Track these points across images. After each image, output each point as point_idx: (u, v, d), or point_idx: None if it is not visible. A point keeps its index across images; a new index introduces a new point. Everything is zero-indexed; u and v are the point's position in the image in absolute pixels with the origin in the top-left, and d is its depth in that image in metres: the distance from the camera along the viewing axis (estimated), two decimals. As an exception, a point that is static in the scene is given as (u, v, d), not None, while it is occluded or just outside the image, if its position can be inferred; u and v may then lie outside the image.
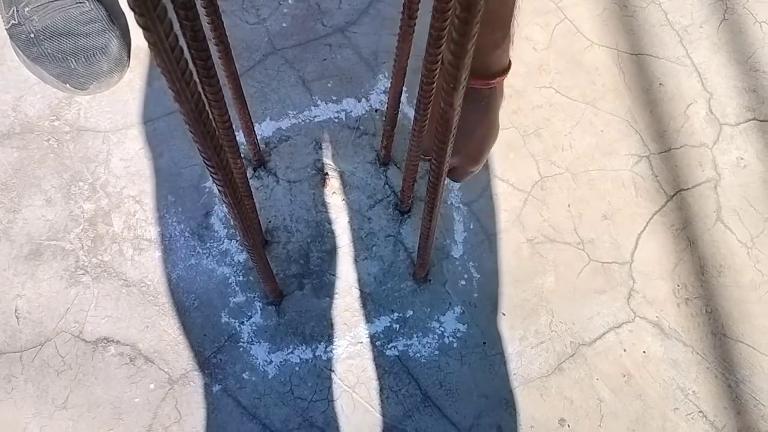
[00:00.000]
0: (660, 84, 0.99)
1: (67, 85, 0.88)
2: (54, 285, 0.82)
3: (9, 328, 0.80)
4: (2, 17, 0.92)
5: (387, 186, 0.90)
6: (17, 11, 0.89)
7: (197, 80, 0.39)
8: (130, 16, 0.97)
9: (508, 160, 0.93)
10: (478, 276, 0.86)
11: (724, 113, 0.99)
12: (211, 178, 0.48)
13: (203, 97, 0.39)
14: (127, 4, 0.29)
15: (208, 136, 0.41)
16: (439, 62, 0.51)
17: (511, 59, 0.57)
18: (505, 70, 0.56)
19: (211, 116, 0.42)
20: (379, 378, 0.81)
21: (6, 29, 0.91)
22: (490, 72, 0.55)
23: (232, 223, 0.86)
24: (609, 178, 0.93)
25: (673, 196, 0.93)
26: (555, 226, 0.90)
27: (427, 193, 0.61)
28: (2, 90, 0.92)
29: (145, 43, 0.92)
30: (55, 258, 0.84)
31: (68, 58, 0.88)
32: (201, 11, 0.45)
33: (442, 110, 0.44)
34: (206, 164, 0.45)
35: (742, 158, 0.96)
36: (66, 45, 0.88)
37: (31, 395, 0.77)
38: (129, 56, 0.93)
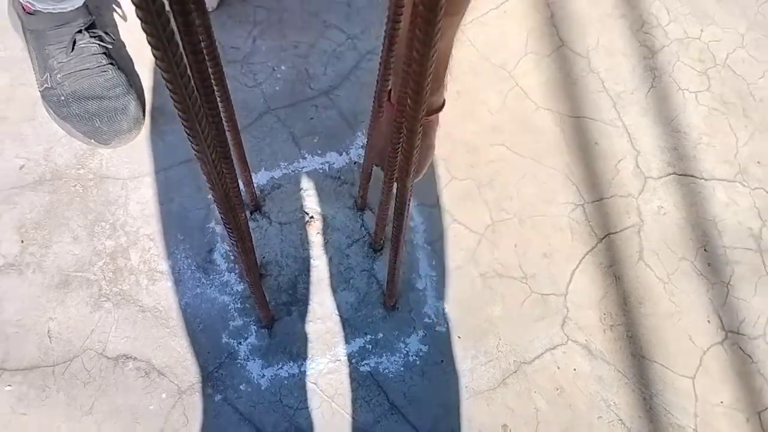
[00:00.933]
0: (595, 143, 1.18)
1: (92, 140, 1.04)
2: (81, 310, 0.98)
3: (43, 346, 0.95)
4: (36, 80, 1.09)
5: (363, 228, 1.07)
6: (50, 77, 1.06)
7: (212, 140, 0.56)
8: (144, 79, 1.14)
9: (466, 206, 1.10)
10: (438, 305, 1.03)
11: (649, 168, 1.17)
12: (221, 221, 0.64)
13: (215, 152, 0.56)
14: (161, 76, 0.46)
15: (222, 190, 0.58)
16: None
17: (445, 99, 0.76)
18: (440, 108, 0.75)
19: (221, 169, 0.59)
20: (354, 390, 0.97)
21: (39, 91, 1.08)
22: (428, 111, 0.74)
23: (233, 258, 1.03)
24: (549, 222, 1.11)
25: (603, 238, 1.11)
26: (503, 263, 1.07)
27: (393, 233, 0.78)
28: (35, 142, 1.08)
29: (159, 104, 1.10)
30: (82, 287, 0.99)
31: (93, 118, 1.04)
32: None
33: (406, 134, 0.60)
34: (219, 211, 0.62)
35: (662, 207, 1.14)
36: (92, 107, 1.05)
37: (62, 403, 0.92)
38: (144, 115, 1.09)
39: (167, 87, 0.44)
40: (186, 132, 0.50)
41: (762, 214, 1.16)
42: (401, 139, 0.60)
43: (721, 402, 1.01)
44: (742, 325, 1.07)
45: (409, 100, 0.53)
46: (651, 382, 1.02)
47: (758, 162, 1.20)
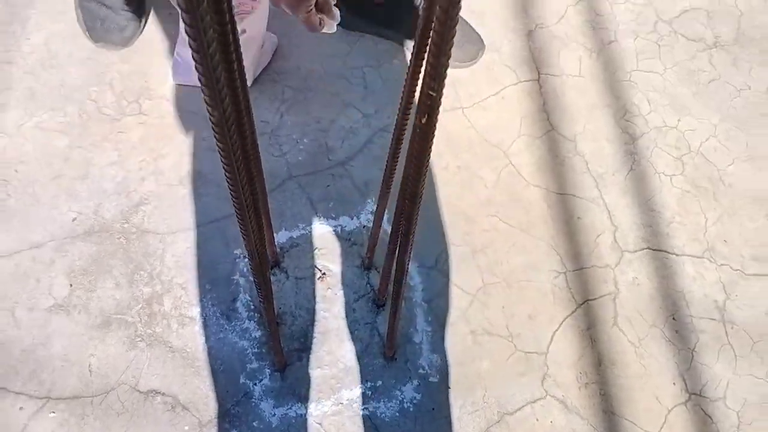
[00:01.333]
0: (578, 218, 1.32)
1: (86, 32, 1.40)
2: (118, 348, 1.12)
3: (84, 379, 1.09)
4: None
5: (368, 285, 1.21)
6: None
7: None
8: (185, 145, 1.30)
9: (460, 270, 1.24)
10: (432, 357, 1.16)
11: (626, 243, 1.31)
12: (250, 272, 0.78)
13: (251, 211, 0.71)
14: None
15: (253, 244, 0.73)
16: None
17: None
18: None
19: (254, 226, 0.74)
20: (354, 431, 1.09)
21: None
22: None
23: (253, 307, 1.17)
24: (534, 287, 1.25)
25: (582, 304, 1.24)
26: (492, 322, 1.20)
27: (393, 289, 0.92)
28: (87, 198, 1.24)
29: (197, 170, 1.25)
30: (120, 328, 1.13)
31: (97, 19, 1.41)
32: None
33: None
34: (250, 262, 0.76)
35: (636, 278, 1.28)
36: (102, 12, 1.41)
37: (97, 430, 1.05)
38: (134, 39, 1.43)
39: (221, 157, 0.58)
40: (231, 193, 0.64)
41: (726, 288, 1.29)
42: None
43: (683, 458, 1.13)
44: (704, 388, 1.19)
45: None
46: (620, 436, 1.14)
47: (725, 241, 1.34)
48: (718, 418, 1.16)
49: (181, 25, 1.30)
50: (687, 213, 1.36)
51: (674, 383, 1.19)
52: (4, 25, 1.41)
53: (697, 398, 1.18)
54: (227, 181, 0.63)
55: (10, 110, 1.31)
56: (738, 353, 1.23)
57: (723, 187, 1.40)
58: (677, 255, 1.31)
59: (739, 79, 1.54)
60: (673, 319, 1.25)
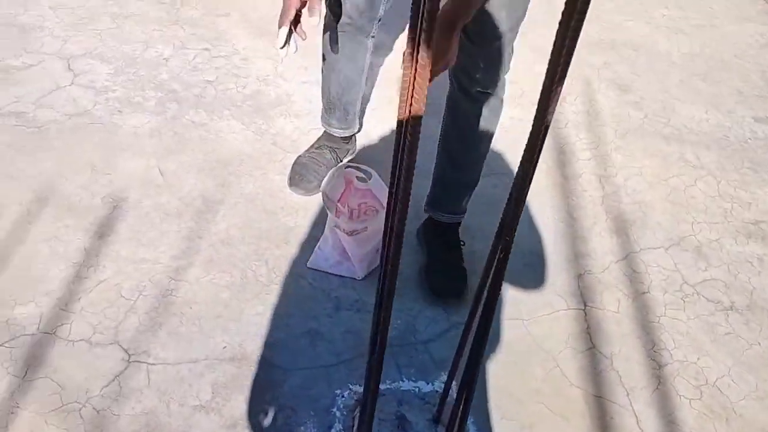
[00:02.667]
0: (611, 417, 1.62)
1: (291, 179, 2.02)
2: (238, 445, 1.44)
3: (209, 462, 1.40)
4: None
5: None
6: None
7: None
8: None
9: (510, 439, 1.54)
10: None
11: (650, 444, 1.58)
12: (358, 406, 1.14)
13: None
14: None
15: (372, 388, 1.12)
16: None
17: None
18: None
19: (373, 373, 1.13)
20: None
21: None
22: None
23: (343, 435, 1.49)
24: (570, 464, 1.51)
25: (609, 485, 1.48)
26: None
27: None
28: (235, 334, 1.66)
29: (316, 327, 1.67)
30: (244, 430, 1.47)
31: (295, 176, 2.09)
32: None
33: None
34: (363, 396, 1.14)
35: (657, 474, 1.52)
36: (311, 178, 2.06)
37: (212, 502, 1.34)
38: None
39: (372, 330, 1.01)
40: (370, 351, 1.06)
41: (738, 498, 1.50)
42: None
43: None
44: None
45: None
46: None
47: (737, 459, 1.58)
48: None
49: (327, 225, 1.86)
50: (702, 430, 1.63)
51: None
52: (201, 213, 2.00)
53: None
54: (370, 348, 1.06)
55: (193, 268, 1.83)
56: None
57: (735, 416, 1.67)
58: (694, 463, 1.56)
59: (751, 336, 1.90)
60: None
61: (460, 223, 1.96)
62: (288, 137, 2.37)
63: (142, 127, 2.31)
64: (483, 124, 1.71)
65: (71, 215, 1.93)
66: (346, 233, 1.80)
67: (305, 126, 2.43)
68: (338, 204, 1.85)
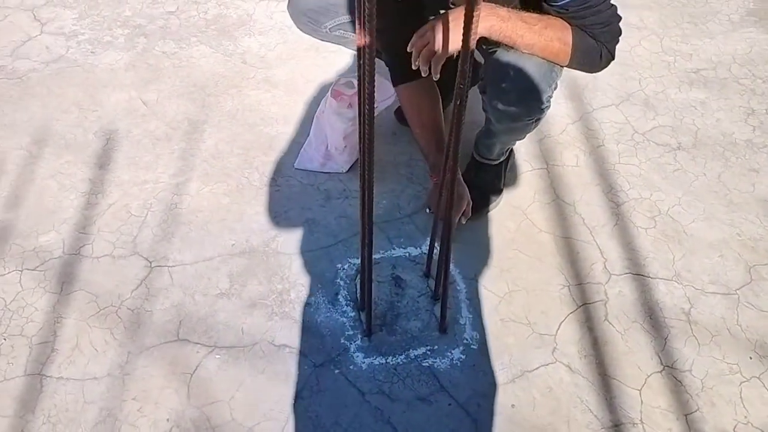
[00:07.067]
0: (577, 252, 1.86)
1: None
2: (260, 320, 1.67)
3: (238, 336, 1.63)
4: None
5: (427, 287, 1.75)
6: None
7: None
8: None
9: (492, 281, 1.77)
10: (473, 333, 1.65)
11: (613, 268, 1.82)
12: (358, 272, 1.36)
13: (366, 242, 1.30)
14: None
15: (366, 257, 1.32)
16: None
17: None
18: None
19: (366, 244, 1.33)
20: (417, 376, 1.57)
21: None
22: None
23: (349, 298, 1.71)
24: (546, 294, 1.75)
25: (581, 306, 1.73)
26: (515, 314, 1.70)
27: (442, 286, 1.47)
28: (241, 231, 1.86)
29: (312, 216, 1.87)
30: (262, 308, 1.69)
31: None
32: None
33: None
34: (360, 266, 1.35)
35: (621, 291, 1.77)
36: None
37: (247, 368, 1.57)
38: None
39: (360, 207, 1.20)
40: (362, 223, 1.25)
41: (691, 300, 1.76)
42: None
43: (659, 405, 1.55)
44: (675, 362, 1.63)
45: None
46: (611, 390, 1.57)
47: (688, 271, 1.83)
48: (686, 383, 1.59)
49: (312, 129, 2.02)
50: (659, 251, 1.88)
51: (652, 358, 1.63)
52: (188, 134, 2.15)
53: (669, 369, 1.61)
54: (361, 219, 1.24)
55: (192, 182, 2.01)
56: (701, 342, 1.67)
57: (686, 236, 1.92)
58: (652, 278, 1.81)
59: (697, 169, 2.12)
60: (650, 318, 1.72)
61: None
62: (256, 54, 2.50)
63: (116, 63, 2.42)
64: None
65: (69, 152, 2.08)
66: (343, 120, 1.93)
67: (270, 42, 2.55)
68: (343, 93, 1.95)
